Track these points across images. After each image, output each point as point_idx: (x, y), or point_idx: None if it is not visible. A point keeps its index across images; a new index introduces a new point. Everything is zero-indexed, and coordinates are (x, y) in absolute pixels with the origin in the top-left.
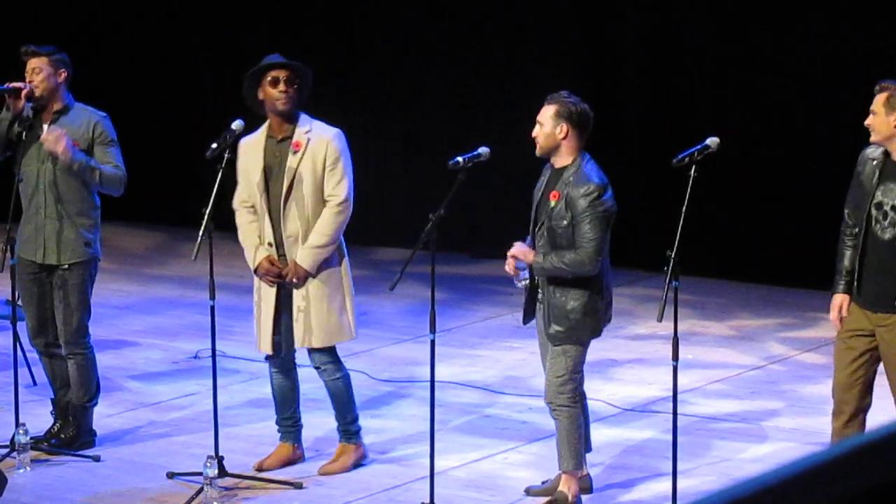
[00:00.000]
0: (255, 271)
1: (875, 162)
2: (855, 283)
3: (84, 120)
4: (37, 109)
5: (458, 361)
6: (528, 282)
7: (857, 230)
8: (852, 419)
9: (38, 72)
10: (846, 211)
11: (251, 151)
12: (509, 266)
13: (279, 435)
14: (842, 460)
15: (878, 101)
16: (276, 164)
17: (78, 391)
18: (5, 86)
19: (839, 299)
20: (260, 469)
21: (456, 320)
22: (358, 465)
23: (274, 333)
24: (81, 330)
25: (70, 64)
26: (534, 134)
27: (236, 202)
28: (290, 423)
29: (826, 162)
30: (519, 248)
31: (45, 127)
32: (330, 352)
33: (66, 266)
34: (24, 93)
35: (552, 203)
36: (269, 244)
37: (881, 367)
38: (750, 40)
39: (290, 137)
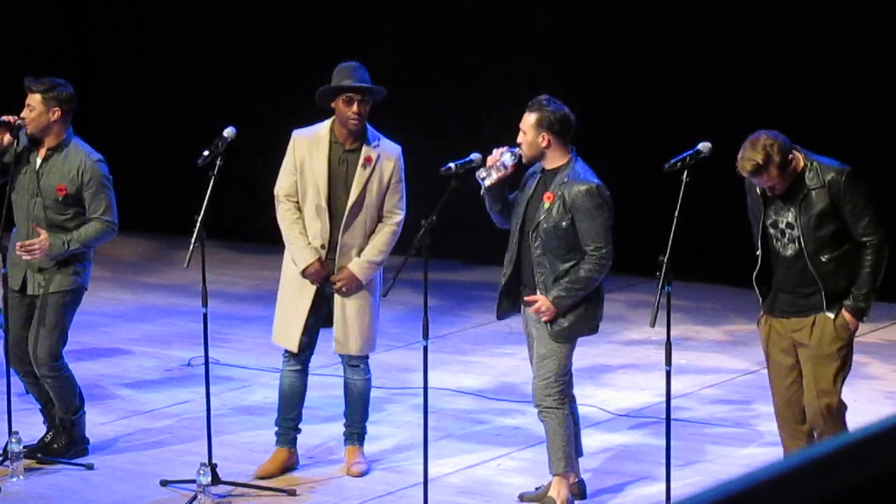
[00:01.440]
0: (304, 270)
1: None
2: (765, 296)
3: (76, 163)
4: (33, 141)
5: (451, 368)
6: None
7: (758, 251)
8: (799, 427)
9: (31, 109)
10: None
11: (314, 150)
12: (494, 158)
13: (276, 439)
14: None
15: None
16: (343, 172)
17: (60, 408)
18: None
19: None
20: (260, 477)
21: (449, 327)
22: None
23: (303, 333)
24: (53, 353)
25: (68, 99)
26: (518, 141)
27: (281, 193)
28: (290, 425)
29: None
30: (543, 304)
31: (39, 161)
32: (364, 356)
33: (48, 294)
34: (13, 123)
35: (546, 205)
36: (322, 246)
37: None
38: (740, 45)
39: (359, 149)
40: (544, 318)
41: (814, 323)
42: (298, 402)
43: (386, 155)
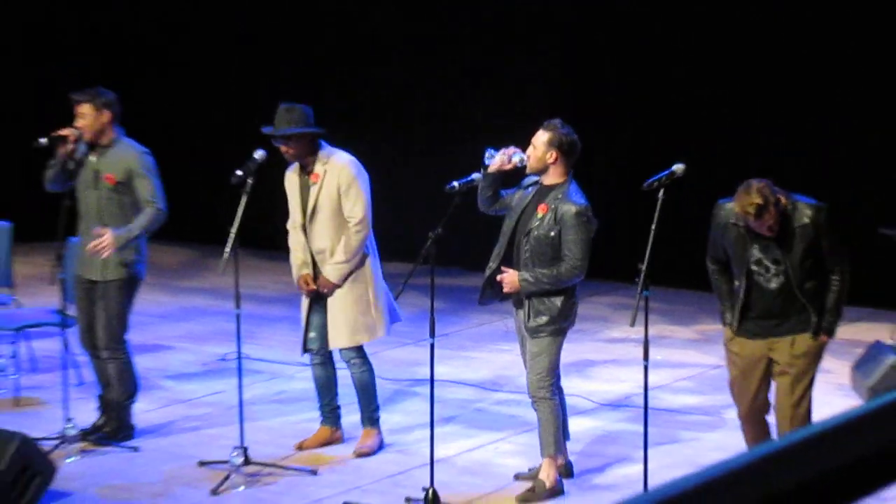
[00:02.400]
0: (296, 280)
1: (740, 227)
2: (739, 322)
3: (124, 155)
4: (89, 146)
5: (455, 362)
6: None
7: (736, 283)
8: (763, 421)
9: (84, 116)
10: (708, 259)
11: (291, 180)
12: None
13: (320, 418)
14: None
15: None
16: (305, 194)
17: (117, 389)
18: (56, 135)
19: (730, 332)
20: (300, 448)
21: (452, 326)
22: (381, 446)
23: (307, 333)
24: (117, 337)
25: (114, 102)
26: (528, 153)
27: (288, 225)
28: (328, 408)
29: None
30: (508, 276)
31: (94, 159)
32: (357, 349)
33: (106, 281)
34: (71, 138)
35: (540, 215)
36: (307, 261)
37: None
38: (712, 78)
39: (312, 170)
40: (506, 289)
41: (793, 343)
42: (330, 389)
43: (333, 167)
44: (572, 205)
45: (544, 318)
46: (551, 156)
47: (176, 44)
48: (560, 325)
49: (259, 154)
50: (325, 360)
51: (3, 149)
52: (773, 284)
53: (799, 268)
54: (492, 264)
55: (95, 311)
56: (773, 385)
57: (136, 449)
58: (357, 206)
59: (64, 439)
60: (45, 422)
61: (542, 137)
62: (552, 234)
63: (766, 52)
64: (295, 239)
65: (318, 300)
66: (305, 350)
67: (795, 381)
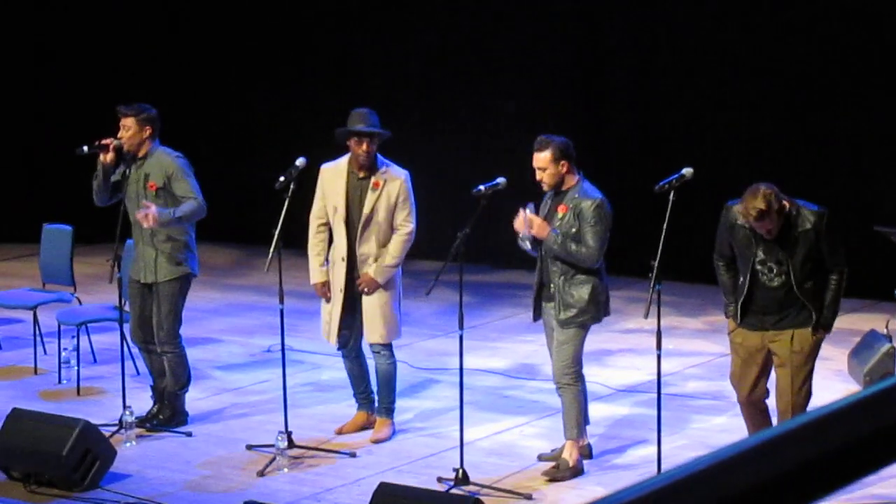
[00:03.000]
0: (313, 284)
1: (747, 229)
2: (742, 315)
3: (161, 163)
4: (129, 158)
5: (482, 352)
6: (528, 244)
7: (740, 279)
8: (762, 407)
9: (127, 129)
10: (715, 255)
11: (335, 180)
12: (519, 223)
13: (357, 405)
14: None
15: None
16: (357, 196)
17: (171, 381)
18: (97, 143)
19: (733, 324)
20: (339, 433)
21: (480, 319)
22: (393, 434)
23: (341, 329)
24: (172, 333)
25: (156, 118)
26: (538, 178)
27: (312, 217)
28: (363, 395)
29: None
30: (539, 220)
31: (134, 170)
32: (387, 344)
33: (161, 282)
34: (111, 147)
35: (560, 215)
36: (343, 258)
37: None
38: (718, 83)
39: (370, 177)
40: (534, 231)
41: (792, 337)
42: (363, 379)
43: (392, 179)
44: (590, 199)
45: (573, 311)
46: (563, 166)
47: (213, 47)
48: (585, 318)
49: (300, 161)
50: (357, 354)
51: (64, 155)
52: (775, 283)
53: (800, 270)
54: (536, 280)
55: (149, 308)
56: (774, 374)
57: (189, 434)
58: (409, 217)
59: (122, 425)
60: (104, 409)
61: (545, 157)
62: (573, 230)
63: (767, 58)
64: (317, 240)
65: (351, 298)
66: (340, 346)
67: (795, 372)
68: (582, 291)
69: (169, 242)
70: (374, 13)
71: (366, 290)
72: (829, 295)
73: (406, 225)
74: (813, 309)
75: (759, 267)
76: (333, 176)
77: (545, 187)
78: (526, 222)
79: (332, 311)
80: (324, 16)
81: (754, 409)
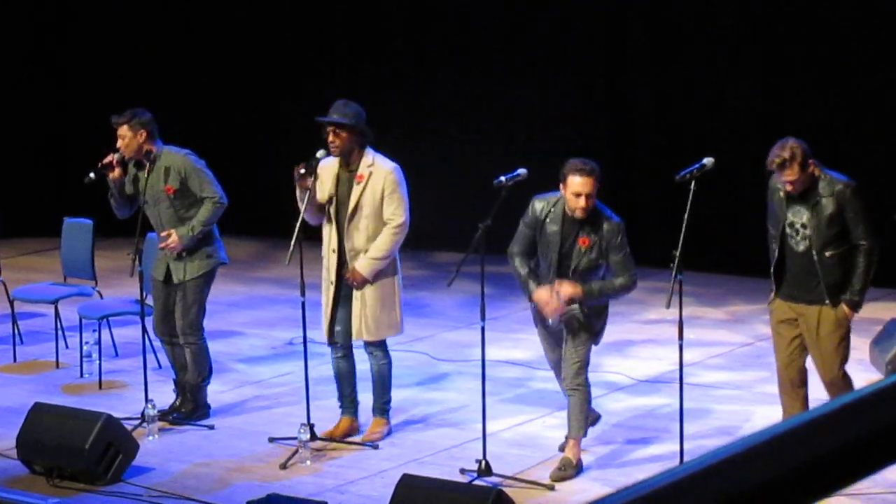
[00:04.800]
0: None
1: (779, 190)
2: (777, 285)
3: (171, 164)
4: (137, 164)
5: (504, 344)
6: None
7: (775, 245)
8: (796, 390)
9: (123, 138)
10: (768, 223)
11: (327, 174)
12: (551, 308)
13: (340, 410)
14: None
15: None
16: (345, 190)
17: (193, 373)
18: (100, 165)
19: (772, 296)
20: (329, 437)
21: (501, 310)
22: (388, 434)
23: (332, 326)
24: (195, 324)
25: (149, 121)
26: (581, 205)
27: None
28: (349, 400)
29: None
30: (568, 286)
31: (145, 176)
32: (380, 342)
33: (188, 279)
34: (114, 162)
35: (583, 248)
36: (333, 250)
37: None
38: (739, 72)
39: (356, 169)
40: (565, 299)
41: (819, 315)
42: (349, 382)
43: (378, 171)
44: (610, 223)
45: (597, 327)
46: (596, 193)
47: (236, 43)
48: (597, 326)
49: (321, 153)
50: (347, 353)
51: (84, 149)
52: (801, 248)
53: (821, 234)
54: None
55: (173, 302)
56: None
57: (211, 427)
58: (399, 210)
59: (144, 419)
60: (126, 403)
61: (592, 184)
62: (600, 260)
63: (785, 47)
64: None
65: (343, 294)
66: (331, 343)
67: (824, 358)
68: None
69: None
70: (395, 4)
71: (354, 283)
72: (857, 270)
73: (395, 218)
74: (824, 280)
75: (788, 230)
76: (327, 171)
77: (584, 214)
78: (558, 303)
79: (324, 304)
80: (342, 9)
81: (791, 386)
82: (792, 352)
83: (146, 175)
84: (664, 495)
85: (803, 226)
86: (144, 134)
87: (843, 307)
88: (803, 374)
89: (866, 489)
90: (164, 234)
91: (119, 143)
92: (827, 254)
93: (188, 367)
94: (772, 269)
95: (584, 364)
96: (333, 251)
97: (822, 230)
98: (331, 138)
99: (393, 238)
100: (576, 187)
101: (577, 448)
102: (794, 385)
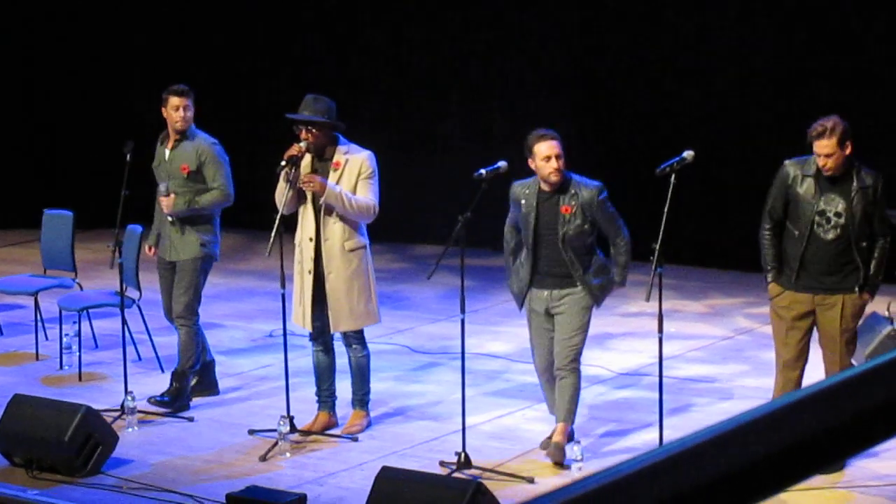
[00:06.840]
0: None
1: (811, 177)
2: (794, 274)
3: (196, 146)
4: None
5: (484, 336)
6: None
7: (796, 233)
8: (798, 380)
9: (187, 109)
10: (764, 219)
11: (305, 164)
12: None
13: (318, 405)
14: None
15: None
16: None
17: (182, 357)
18: (285, 159)
19: (777, 289)
20: (308, 431)
21: (481, 303)
22: (368, 426)
23: (314, 320)
24: (190, 308)
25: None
26: (554, 168)
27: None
28: (327, 394)
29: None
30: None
31: (167, 151)
32: (358, 335)
33: (184, 260)
34: (300, 152)
35: (567, 216)
36: (311, 239)
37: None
38: (716, 70)
39: (332, 158)
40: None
41: (842, 303)
42: (329, 375)
43: (354, 158)
44: (588, 189)
45: (595, 295)
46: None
47: (210, 31)
48: (594, 305)
49: (301, 146)
50: (326, 347)
51: (66, 141)
52: (830, 236)
53: (858, 224)
54: (528, 269)
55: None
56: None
57: (191, 419)
58: (370, 195)
59: (124, 411)
60: (106, 395)
61: (558, 147)
62: (586, 226)
63: (771, 38)
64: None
65: (320, 289)
66: (312, 338)
67: (843, 343)
68: (594, 279)
69: (194, 224)
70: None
71: (309, 183)
72: (876, 261)
73: (369, 199)
74: (863, 269)
75: (817, 218)
76: (306, 160)
77: (555, 180)
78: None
79: (302, 292)
80: (330, 5)
81: (793, 374)
82: (803, 347)
83: (169, 150)
84: (645, 476)
85: (837, 214)
86: (193, 110)
87: (866, 294)
88: (806, 362)
89: (865, 482)
90: (165, 196)
91: (179, 114)
92: (863, 244)
93: (178, 352)
94: (798, 259)
95: (580, 347)
96: (311, 240)
97: (859, 222)
98: (304, 135)
99: (366, 205)
100: (544, 151)
101: (564, 431)
102: (799, 375)
